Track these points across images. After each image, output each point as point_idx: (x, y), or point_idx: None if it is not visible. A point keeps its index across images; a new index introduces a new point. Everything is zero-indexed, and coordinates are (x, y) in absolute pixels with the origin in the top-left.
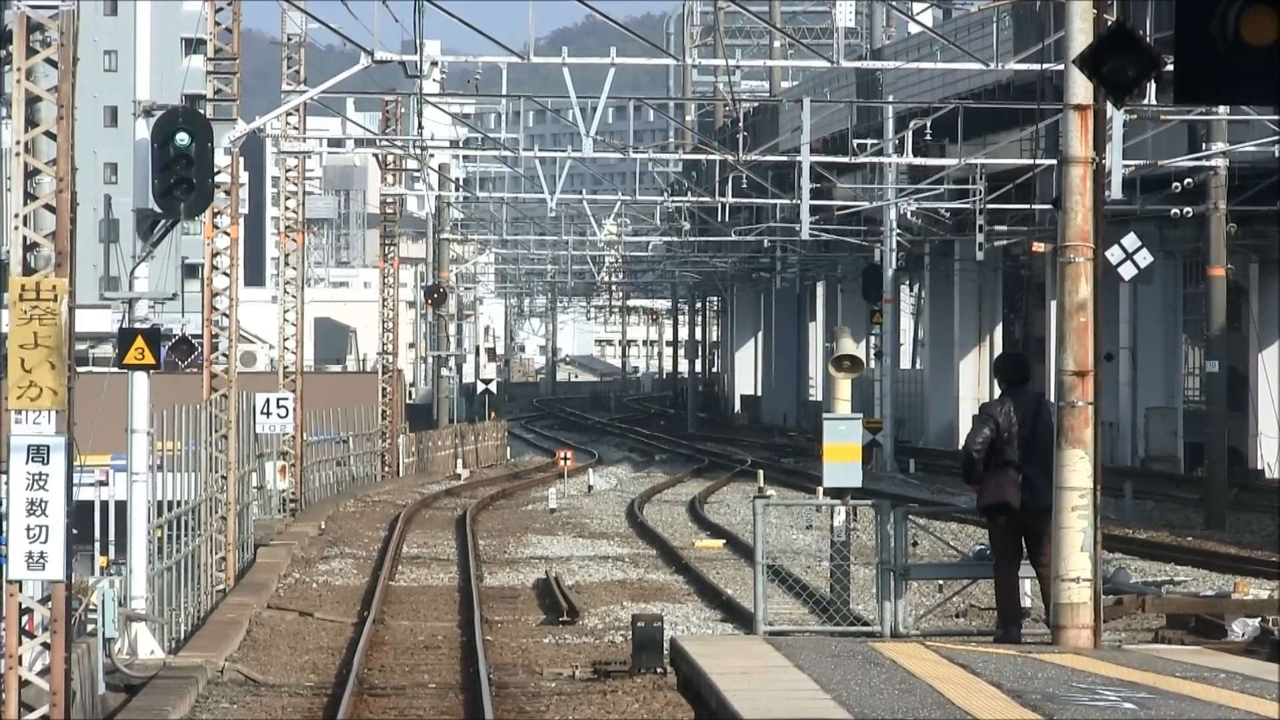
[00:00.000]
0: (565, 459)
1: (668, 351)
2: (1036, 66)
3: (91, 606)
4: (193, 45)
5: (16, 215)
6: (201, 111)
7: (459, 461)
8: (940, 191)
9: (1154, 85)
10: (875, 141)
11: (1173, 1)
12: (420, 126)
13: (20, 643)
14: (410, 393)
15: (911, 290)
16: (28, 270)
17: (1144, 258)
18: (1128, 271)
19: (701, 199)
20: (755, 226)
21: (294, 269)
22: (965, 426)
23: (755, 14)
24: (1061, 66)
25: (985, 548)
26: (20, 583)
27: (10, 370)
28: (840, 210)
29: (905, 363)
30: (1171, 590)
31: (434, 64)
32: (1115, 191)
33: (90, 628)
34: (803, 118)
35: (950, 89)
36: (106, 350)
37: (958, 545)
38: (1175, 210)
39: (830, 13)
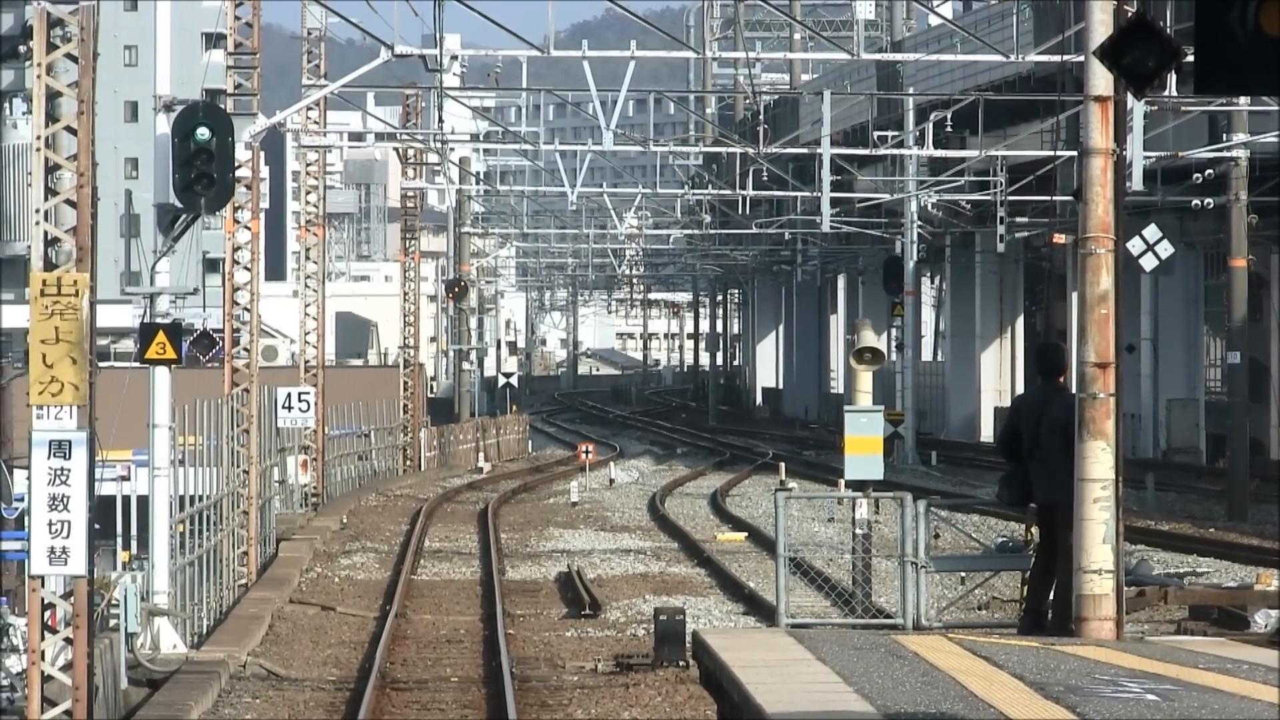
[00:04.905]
0: (587, 452)
1: (689, 345)
2: (1057, 58)
3: (114, 602)
4: (213, 40)
5: (37, 210)
6: (222, 106)
7: (480, 455)
8: (961, 183)
9: (1174, 77)
10: (896, 134)
11: None
12: (440, 120)
13: (43, 638)
14: (431, 387)
15: (932, 282)
16: (49, 265)
17: (1165, 249)
18: (1149, 263)
19: (722, 192)
20: (776, 219)
21: (315, 263)
22: (987, 418)
23: (775, 7)
24: (1082, 58)
25: (1007, 539)
26: (43, 578)
27: (32, 365)
28: (861, 203)
29: (926, 355)
30: (1194, 582)
31: (454, 58)
32: (1136, 183)
33: (113, 623)
34: (823, 110)
35: (970, 81)
36: (128, 345)
37: (980, 538)
38: (1196, 201)
39: (850, 5)
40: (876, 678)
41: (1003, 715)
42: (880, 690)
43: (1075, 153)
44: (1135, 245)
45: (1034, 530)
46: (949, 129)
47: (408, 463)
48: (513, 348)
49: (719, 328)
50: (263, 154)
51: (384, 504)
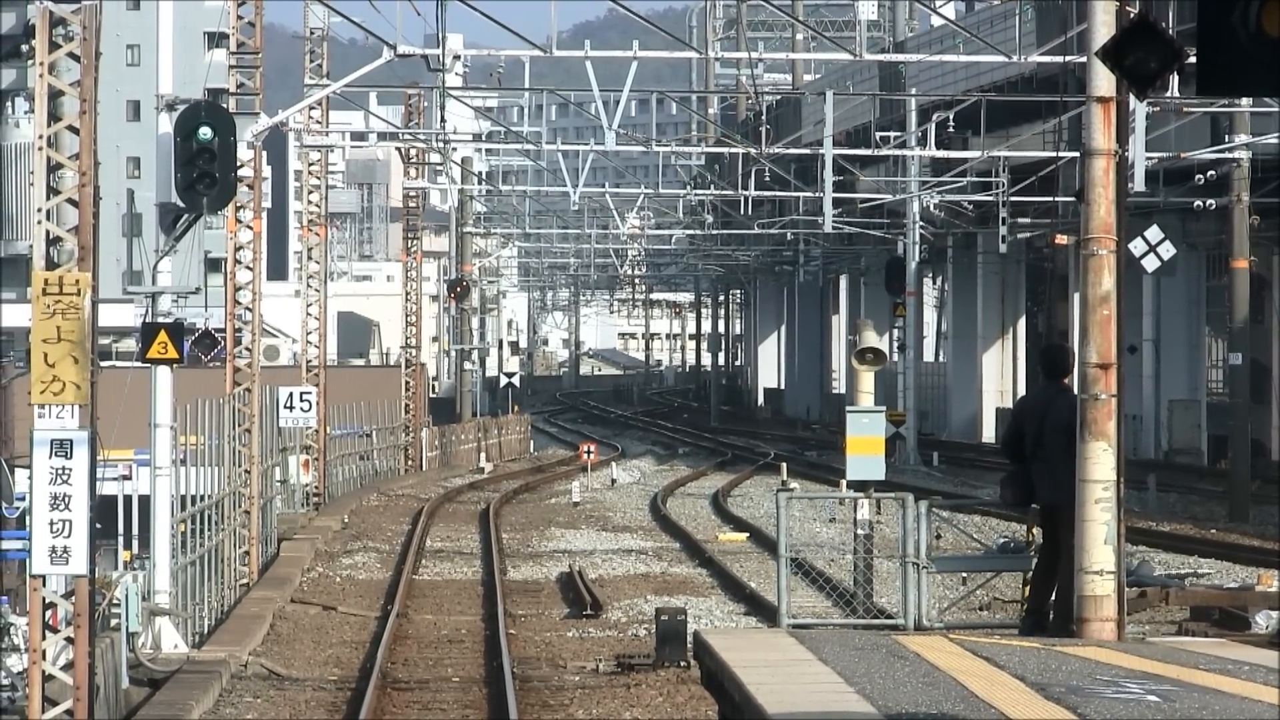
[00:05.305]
0: (588, 452)
1: (690, 345)
2: (1059, 59)
3: (115, 601)
4: (215, 40)
5: (39, 209)
6: (224, 106)
7: (482, 455)
8: (963, 184)
9: (1176, 78)
10: (898, 134)
11: None
12: (443, 120)
13: (44, 637)
14: (433, 386)
15: (934, 283)
16: (51, 265)
17: (1167, 250)
18: (1151, 264)
19: (724, 192)
20: (778, 220)
21: (317, 263)
22: (988, 419)
23: (778, 7)
24: (1084, 59)
25: (1009, 540)
26: (44, 577)
27: (34, 364)
28: (863, 203)
29: (928, 355)
30: (1195, 583)
31: (456, 58)
32: (1138, 184)
33: (114, 622)
34: (825, 111)
35: (973, 82)
36: (129, 345)
37: (981, 538)
38: (1198, 202)
39: (853, 6)
40: (878, 678)
41: (1004, 716)
42: (881, 691)
43: (1077, 153)
44: (1137, 246)
45: (1035, 531)
46: (951, 129)
47: (409, 463)
48: (515, 348)
49: (721, 328)
50: (265, 153)
51: (385, 504)
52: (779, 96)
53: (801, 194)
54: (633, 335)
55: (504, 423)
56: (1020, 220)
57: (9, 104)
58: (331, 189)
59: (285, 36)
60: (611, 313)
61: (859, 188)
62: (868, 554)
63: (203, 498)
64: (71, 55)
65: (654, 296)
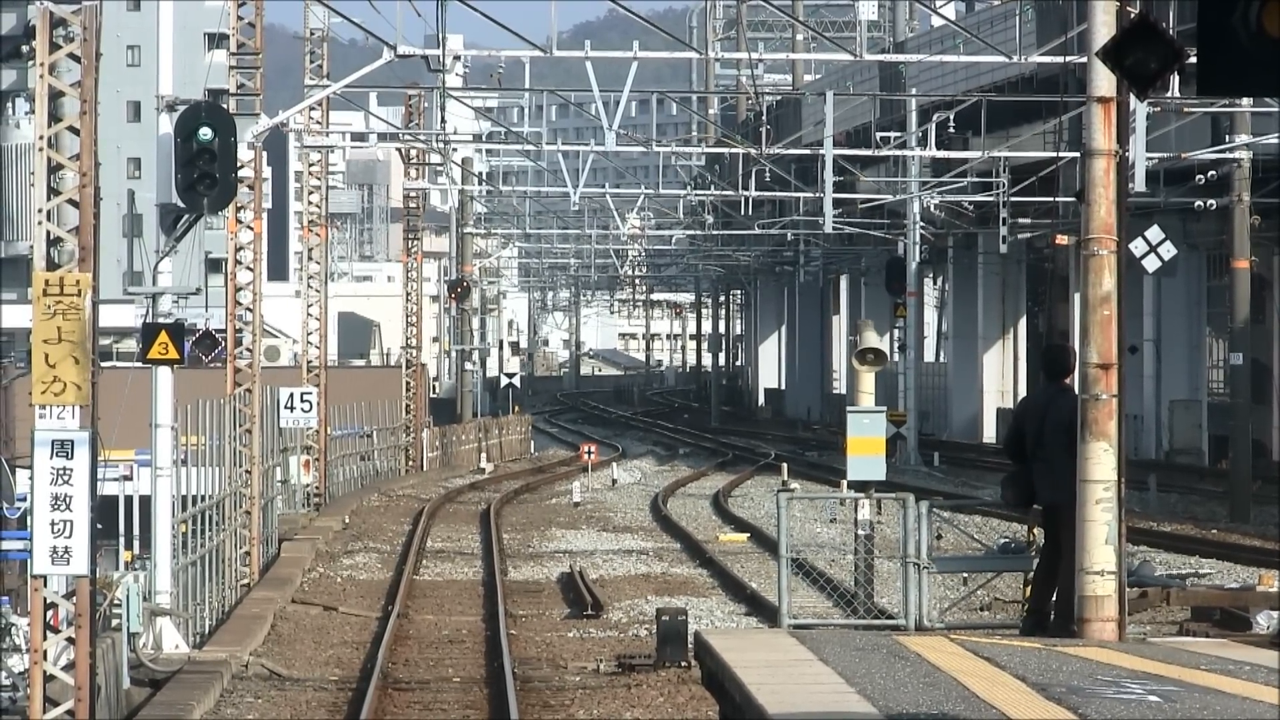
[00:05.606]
0: (589, 453)
1: (691, 345)
2: (1060, 59)
3: (116, 601)
4: (216, 40)
5: (40, 210)
6: (224, 106)
7: (483, 456)
8: (964, 184)
9: (1177, 78)
10: (898, 135)
11: None
12: (443, 121)
13: (45, 637)
14: (434, 387)
15: (935, 283)
16: (51, 265)
17: (1168, 250)
18: (1151, 264)
19: (724, 193)
20: (778, 220)
21: (317, 263)
22: (989, 419)
23: (778, 7)
24: (1084, 59)
25: (1010, 540)
26: (45, 577)
27: (35, 365)
28: (863, 204)
29: (929, 356)
30: (1196, 583)
31: (457, 58)
32: (1139, 184)
33: (115, 623)
34: (826, 111)
35: (973, 82)
36: (130, 345)
37: (982, 538)
38: (1199, 203)
39: (853, 6)
40: (878, 678)
41: (1004, 716)
42: (882, 691)
43: (1078, 154)
44: (1138, 246)
45: (1036, 531)
46: (952, 130)
47: (410, 463)
48: (515, 348)
49: (721, 328)
50: (265, 154)
51: (386, 504)
52: (779, 97)
53: (802, 194)
54: (633, 336)
55: (504, 423)
56: (1021, 220)
57: (9, 104)
58: (332, 189)
59: (285, 37)
60: (612, 313)
61: (859, 188)
62: (868, 554)
63: (203, 498)
64: (72, 56)
65: (654, 297)
